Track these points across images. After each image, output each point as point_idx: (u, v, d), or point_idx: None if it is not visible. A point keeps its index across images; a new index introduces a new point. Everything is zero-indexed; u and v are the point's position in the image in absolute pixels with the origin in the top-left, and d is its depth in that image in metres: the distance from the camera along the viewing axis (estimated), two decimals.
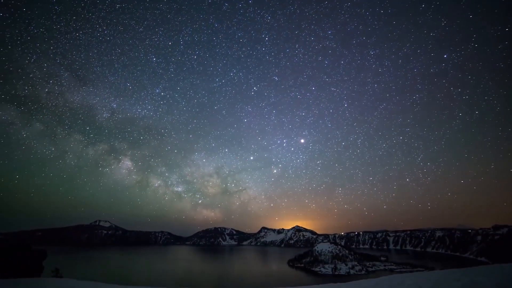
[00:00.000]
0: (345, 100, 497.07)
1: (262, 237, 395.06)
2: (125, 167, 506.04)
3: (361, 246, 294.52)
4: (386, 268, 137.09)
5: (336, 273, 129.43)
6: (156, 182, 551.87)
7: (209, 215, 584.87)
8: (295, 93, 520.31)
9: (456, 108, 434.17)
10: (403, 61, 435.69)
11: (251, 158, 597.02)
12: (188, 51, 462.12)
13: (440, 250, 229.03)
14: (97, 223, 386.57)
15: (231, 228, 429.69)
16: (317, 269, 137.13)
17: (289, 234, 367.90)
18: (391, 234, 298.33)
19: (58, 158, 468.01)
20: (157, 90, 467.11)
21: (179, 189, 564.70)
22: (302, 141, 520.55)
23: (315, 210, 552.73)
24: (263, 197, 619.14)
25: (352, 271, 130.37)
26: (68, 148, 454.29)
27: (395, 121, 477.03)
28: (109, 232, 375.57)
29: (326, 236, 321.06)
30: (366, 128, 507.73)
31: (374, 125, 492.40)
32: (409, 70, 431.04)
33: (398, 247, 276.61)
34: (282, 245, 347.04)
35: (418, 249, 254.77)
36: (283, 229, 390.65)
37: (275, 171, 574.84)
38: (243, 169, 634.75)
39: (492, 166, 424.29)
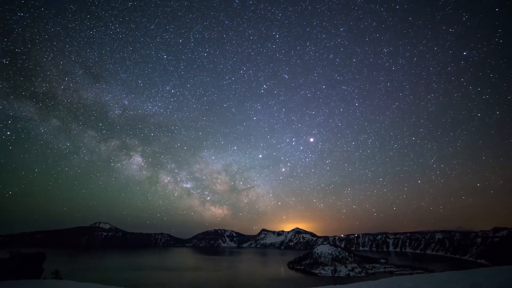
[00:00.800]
0: (356, 99, 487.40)
1: (262, 239, 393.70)
2: (136, 163, 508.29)
3: (361, 248, 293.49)
4: (386, 270, 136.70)
5: (336, 275, 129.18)
6: (165, 178, 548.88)
7: (217, 212, 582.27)
8: (305, 91, 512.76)
9: (475, 108, 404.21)
10: (418, 59, 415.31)
11: (260, 156, 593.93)
12: (199, 48, 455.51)
13: (440, 252, 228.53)
14: (97, 225, 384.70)
15: (231, 230, 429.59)
16: (317, 271, 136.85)
17: (289, 236, 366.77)
18: (391, 236, 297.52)
19: (73, 153, 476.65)
20: (168, 88, 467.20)
21: (188, 185, 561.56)
22: (312, 140, 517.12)
23: (323, 209, 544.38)
24: (271, 195, 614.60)
25: (352, 273, 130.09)
26: (82, 144, 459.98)
27: (408, 121, 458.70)
28: (109, 234, 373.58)
29: (326, 238, 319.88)
30: (377, 128, 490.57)
31: (385, 125, 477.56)
32: (425, 69, 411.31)
33: (398, 249, 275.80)
34: (282, 247, 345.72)
35: (418, 251, 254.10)
36: (283, 231, 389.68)
37: (283, 169, 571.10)
38: (251, 167, 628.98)
39: None
